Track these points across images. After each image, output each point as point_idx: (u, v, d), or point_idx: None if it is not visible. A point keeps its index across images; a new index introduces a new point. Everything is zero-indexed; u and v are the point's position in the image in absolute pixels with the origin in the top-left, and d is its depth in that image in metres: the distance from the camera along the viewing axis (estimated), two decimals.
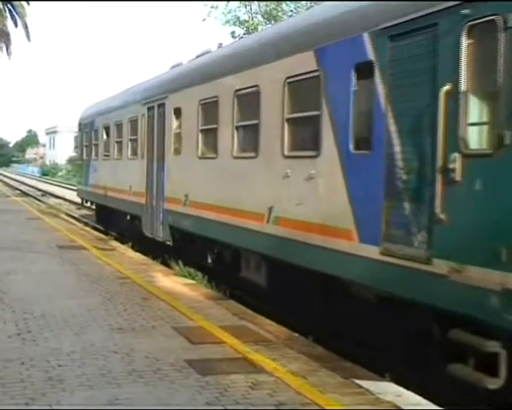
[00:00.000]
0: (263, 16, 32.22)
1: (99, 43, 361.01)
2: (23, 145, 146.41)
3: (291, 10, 31.25)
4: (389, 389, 6.11)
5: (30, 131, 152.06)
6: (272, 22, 29.94)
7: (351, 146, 7.74)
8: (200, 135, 12.64)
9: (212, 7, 32.34)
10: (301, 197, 8.70)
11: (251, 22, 31.82)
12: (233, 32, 32.32)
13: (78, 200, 32.90)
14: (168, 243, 14.31)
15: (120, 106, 19.32)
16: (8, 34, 39.29)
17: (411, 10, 6.71)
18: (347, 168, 7.78)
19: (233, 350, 7.10)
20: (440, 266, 6.10)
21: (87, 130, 23.96)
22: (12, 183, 61.60)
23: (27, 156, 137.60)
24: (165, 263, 13.50)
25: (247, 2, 32.49)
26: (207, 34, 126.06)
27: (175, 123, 14.22)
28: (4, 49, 39.39)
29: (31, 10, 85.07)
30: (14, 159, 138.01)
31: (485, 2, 5.78)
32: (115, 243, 16.48)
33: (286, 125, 9.25)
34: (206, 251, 12.54)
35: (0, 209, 25.40)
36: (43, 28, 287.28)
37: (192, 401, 5.58)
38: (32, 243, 15.22)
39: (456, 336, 6.00)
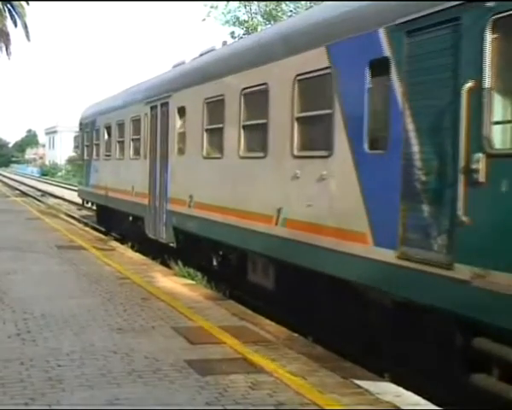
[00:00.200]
0: (262, 16, 32.12)
1: (98, 42, 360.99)
2: (22, 145, 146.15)
3: (290, 10, 31.14)
4: (388, 390, 6.08)
5: (29, 131, 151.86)
6: (272, 22, 29.82)
7: (365, 146, 7.45)
8: (205, 134, 12.34)
9: (211, 7, 32.39)
10: (312, 199, 8.42)
11: (250, 22, 31.70)
12: (232, 33, 32.27)
13: (78, 200, 32.86)
14: (172, 244, 14.00)
15: (122, 105, 19.01)
16: (7, 34, 39.17)
17: (430, 4, 6.43)
18: (361, 168, 7.50)
19: (233, 350, 7.08)
20: (462, 272, 5.82)
21: (88, 129, 23.65)
22: (11, 183, 61.64)
23: (27, 156, 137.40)
24: (164, 263, 13.42)
25: (246, 3, 32.43)
26: (207, 34, 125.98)
27: (179, 122, 13.92)
28: (4, 49, 39.28)
29: (30, 10, 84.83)
30: (13, 159, 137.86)
31: None
32: (115, 244, 16.47)
33: (296, 125, 8.96)
34: (212, 253, 12.26)
35: None
36: (43, 28, 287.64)
37: (192, 401, 5.56)
38: (32, 243, 15.19)
39: (479, 344, 5.73)
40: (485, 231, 5.68)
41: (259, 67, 10.11)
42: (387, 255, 6.86)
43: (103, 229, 20.94)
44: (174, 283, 11.03)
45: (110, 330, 7.80)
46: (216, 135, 11.88)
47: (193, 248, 13.20)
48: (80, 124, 25.63)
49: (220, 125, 11.49)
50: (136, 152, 17.13)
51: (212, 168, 11.97)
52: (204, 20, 32.94)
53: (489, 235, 5.65)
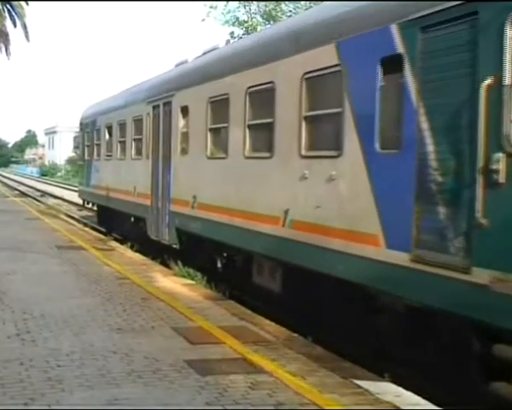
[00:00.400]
0: (262, 16, 32.07)
1: (97, 43, 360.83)
2: (22, 145, 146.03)
3: (290, 10, 31.09)
4: (388, 390, 6.06)
5: (29, 131, 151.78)
6: (271, 22, 29.78)
7: (376, 145, 7.23)
8: (209, 134, 12.11)
9: (211, 7, 32.44)
10: (320, 200, 8.20)
11: (250, 22, 31.60)
12: (232, 33, 32.12)
13: (78, 200, 32.81)
14: (174, 246, 13.77)
15: (124, 105, 18.78)
16: (7, 34, 39.03)
17: (432, 4, 6.25)
18: (372, 169, 7.28)
19: (232, 350, 7.06)
20: (481, 276, 5.61)
21: (88, 129, 23.42)
22: (11, 183, 61.70)
23: (26, 157, 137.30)
24: (164, 263, 13.34)
25: (246, 3, 32.37)
26: (206, 35, 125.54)
27: (182, 122, 13.68)
28: (3, 49, 39.14)
29: (30, 10, 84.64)
30: (13, 159, 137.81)
31: None
32: (114, 244, 16.40)
33: (303, 124, 8.74)
34: (216, 255, 12.03)
35: None
36: (42, 28, 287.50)
37: (191, 401, 5.55)
38: (31, 244, 15.15)
39: (499, 352, 5.52)
40: (505, 233, 5.47)
41: (266, 65, 9.88)
42: (401, 258, 6.64)
43: (104, 230, 20.73)
44: (174, 283, 10.99)
45: (110, 330, 7.77)
46: (220, 135, 11.66)
47: (196, 250, 12.98)
48: (81, 124, 25.40)
49: (225, 125, 11.26)
50: (138, 152, 16.89)
51: (217, 169, 11.74)
52: (203, 20, 33.09)
53: (509, 238, 5.43)
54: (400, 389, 6.13)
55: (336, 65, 8.02)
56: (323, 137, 8.63)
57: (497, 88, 5.54)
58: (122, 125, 18.52)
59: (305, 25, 9.21)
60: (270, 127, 9.62)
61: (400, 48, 6.85)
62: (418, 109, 6.52)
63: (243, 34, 30.86)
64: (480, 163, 5.68)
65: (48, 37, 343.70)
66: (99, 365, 6.43)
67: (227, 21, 32.96)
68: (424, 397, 6.01)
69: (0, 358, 6.58)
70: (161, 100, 14.99)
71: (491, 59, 5.64)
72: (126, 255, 14.22)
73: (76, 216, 26.42)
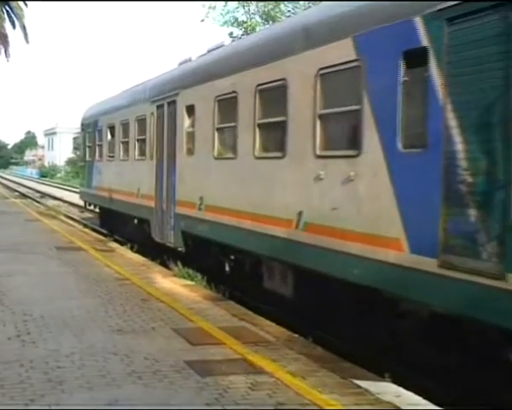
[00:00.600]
0: (261, 17, 31.95)
1: (97, 44, 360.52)
2: (22, 147, 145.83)
3: (289, 11, 31.01)
4: (388, 390, 6.04)
5: (28, 132, 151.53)
6: (270, 23, 29.64)
7: (399, 144, 6.86)
8: (216, 134, 11.70)
9: (210, 8, 32.50)
10: (337, 202, 7.83)
11: (249, 23, 31.47)
12: (231, 33, 32.04)
13: (77, 201, 32.57)
14: (180, 249, 13.38)
15: (126, 104, 18.36)
16: (6, 36, 38.73)
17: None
18: (394, 169, 6.91)
19: (232, 351, 7.03)
20: None
21: (90, 130, 23.00)
22: (10, 185, 61.62)
23: (26, 158, 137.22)
24: (164, 264, 13.21)
25: (245, 3, 32.19)
26: (206, 35, 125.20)
27: (187, 121, 13.28)
28: (2, 50, 38.78)
29: (29, 12, 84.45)
30: (12, 161, 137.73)
31: None
32: (114, 245, 16.32)
33: (318, 122, 8.35)
34: (224, 259, 11.65)
35: None
36: (42, 29, 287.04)
37: (192, 401, 5.54)
38: (31, 245, 15.10)
39: None
40: None
41: (277, 61, 9.49)
42: (426, 264, 6.27)
43: (106, 231, 20.34)
44: (174, 283, 10.93)
45: (110, 331, 7.74)
46: (228, 134, 11.27)
47: (202, 253, 12.60)
48: (82, 124, 25.00)
49: (233, 124, 10.86)
50: (142, 153, 16.47)
51: (225, 169, 11.35)
52: (203, 20, 33.22)
53: None
54: (400, 389, 6.08)
55: (354, 60, 7.65)
56: (340, 135, 8.24)
57: None
58: (125, 126, 18.11)
59: (320, 19, 8.82)
60: (282, 126, 9.24)
61: (425, 41, 6.49)
62: (445, 106, 6.16)
63: (242, 35, 30.71)
64: None
65: (47, 38, 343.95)
66: (99, 366, 6.40)
67: (226, 22, 33.03)
68: (424, 397, 5.95)
69: (0, 359, 6.54)
70: (166, 99, 14.60)
71: None
72: (126, 256, 14.14)
73: (75, 217, 26.31)
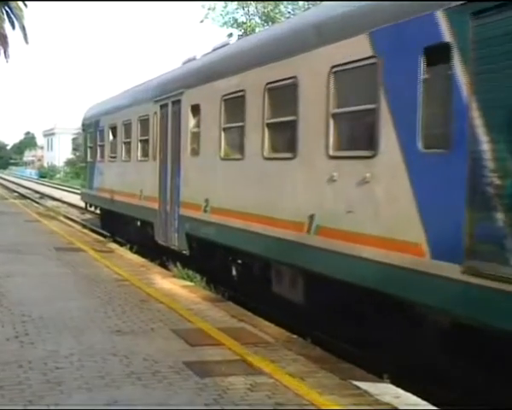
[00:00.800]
0: (260, 18, 31.94)
1: (96, 45, 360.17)
2: (21, 147, 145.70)
3: (288, 12, 31.01)
4: (387, 391, 6.01)
5: (28, 133, 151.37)
6: (270, 24, 29.58)
7: (419, 144, 6.54)
8: (222, 134, 11.37)
9: (209, 9, 32.64)
10: (352, 204, 7.51)
11: (248, 24, 31.49)
12: (230, 34, 31.82)
13: (76, 202, 32.43)
14: (184, 252, 13.04)
15: (129, 104, 18.03)
16: (5, 36, 38.52)
17: None
18: (414, 170, 6.60)
19: (231, 352, 7.01)
20: None
21: (91, 130, 22.65)
22: (10, 185, 61.69)
23: (25, 159, 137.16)
24: (163, 265, 13.12)
25: (244, 3, 32.02)
26: (205, 36, 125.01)
27: (192, 121, 12.95)
28: (2, 51, 38.57)
29: (28, 12, 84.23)
30: (11, 161, 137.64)
31: None
32: (113, 245, 16.24)
33: (331, 122, 8.04)
34: (230, 263, 11.33)
35: None
36: (41, 30, 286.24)
37: (191, 402, 5.53)
38: (30, 246, 15.09)
39: None
40: None
41: (287, 59, 9.17)
42: (449, 270, 5.96)
43: (107, 233, 20.00)
44: (173, 284, 10.89)
45: (109, 332, 7.71)
46: (235, 134, 10.93)
47: (208, 257, 12.28)
48: (83, 124, 24.65)
49: (240, 124, 10.54)
50: (145, 153, 16.13)
51: (232, 170, 11.02)
52: (202, 21, 33.38)
53: None
54: (399, 390, 6.04)
55: (370, 57, 7.34)
56: (355, 135, 7.92)
57: None
58: (127, 126, 17.77)
59: (333, 14, 8.49)
60: (292, 126, 8.93)
61: (447, 36, 6.18)
62: (470, 104, 5.86)
63: (240, 36, 30.57)
64: None
65: (46, 38, 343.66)
66: (98, 367, 6.37)
67: (225, 23, 33.16)
68: (423, 398, 5.90)
69: None
70: (170, 98, 14.27)
71: None
72: (125, 257, 14.06)
73: (75, 218, 26.25)
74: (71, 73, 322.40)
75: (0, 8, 37.89)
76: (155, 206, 14.74)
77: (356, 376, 6.36)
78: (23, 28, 38.61)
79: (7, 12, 38.48)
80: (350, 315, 8.24)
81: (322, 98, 8.18)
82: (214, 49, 13.19)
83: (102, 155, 20.74)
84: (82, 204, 27.16)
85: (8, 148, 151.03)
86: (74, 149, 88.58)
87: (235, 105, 10.91)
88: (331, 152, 8.03)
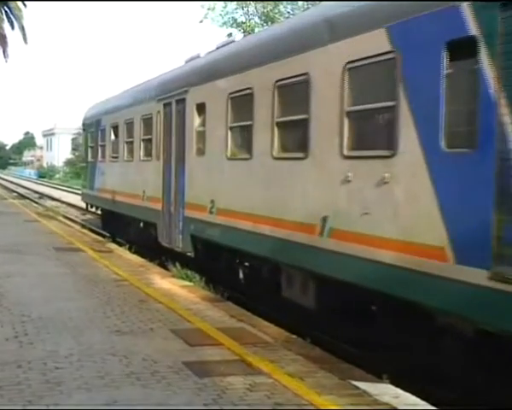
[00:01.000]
0: (260, 18, 31.87)
1: (95, 45, 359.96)
2: (20, 147, 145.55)
3: (288, 12, 30.93)
4: (387, 391, 5.99)
5: (27, 133, 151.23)
6: (269, 24, 29.54)
7: (442, 143, 6.21)
8: (229, 133, 11.02)
9: (208, 9, 32.68)
10: (368, 206, 7.19)
11: (248, 24, 31.45)
12: (230, 34, 31.66)
13: (76, 202, 32.20)
14: (189, 254, 12.71)
15: (131, 103, 17.67)
16: (4, 36, 38.41)
17: None
18: (436, 170, 6.27)
19: (231, 352, 7.00)
20: None
21: (92, 130, 22.30)
22: (9, 185, 61.78)
23: (24, 159, 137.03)
24: (162, 265, 13.04)
25: (243, 3, 31.93)
26: (204, 36, 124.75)
27: (197, 120, 12.61)
28: (1, 51, 38.42)
29: (28, 12, 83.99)
30: (11, 161, 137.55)
31: None
32: (113, 245, 16.20)
33: (346, 120, 7.71)
34: (237, 266, 10.99)
35: None
36: (40, 30, 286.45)
37: (190, 402, 5.52)
38: (30, 246, 15.08)
39: None
40: None
41: (298, 55, 8.85)
42: (476, 276, 5.64)
43: (108, 234, 19.66)
44: (172, 284, 10.87)
45: (108, 332, 7.72)
46: (243, 133, 10.59)
47: (213, 259, 11.95)
48: (83, 124, 24.31)
49: (248, 123, 10.20)
50: (148, 153, 15.77)
51: (239, 170, 10.68)
52: (201, 21, 33.44)
53: None
54: (398, 390, 6.01)
55: (388, 52, 7.01)
56: (372, 134, 7.57)
57: None
58: (129, 125, 17.43)
59: (348, 9, 8.15)
60: (303, 124, 8.60)
61: (473, 29, 5.86)
62: (499, 100, 5.54)
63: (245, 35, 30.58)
64: None
65: (46, 38, 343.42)
66: (97, 367, 6.37)
67: (225, 23, 33.21)
68: (422, 398, 5.87)
69: None
70: (174, 97, 13.93)
71: None
72: (124, 257, 13.99)
73: (74, 218, 26.24)
74: (70, 73, 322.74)
75: None
76: (159, 207, 14.41)
77: (355, 376, 6.35)
78: (22, 28, 38.52)
79: (6, 12, 38.38)
80: (363, 321, 7.93)
81: (336, 96, 7.86)
82: (218, 48, 12.89)
83: (104, 155, 20.39)
84: (81, 204, 27.07)
85: (8, 148, 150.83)
86: (74, 149, 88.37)
87: (242, 103, 10.58)
88: (346, 152, 7.71)
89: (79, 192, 33.74)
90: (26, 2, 38.49)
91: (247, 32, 30.14)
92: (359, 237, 7.30)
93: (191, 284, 11.03)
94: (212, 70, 12.24)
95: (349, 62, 7.68)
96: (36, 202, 35.50)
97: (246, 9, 32.52)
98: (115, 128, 19.04)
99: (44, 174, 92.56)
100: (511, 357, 5.78)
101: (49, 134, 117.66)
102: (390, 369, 6.60)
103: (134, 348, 7.04)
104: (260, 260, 10.06)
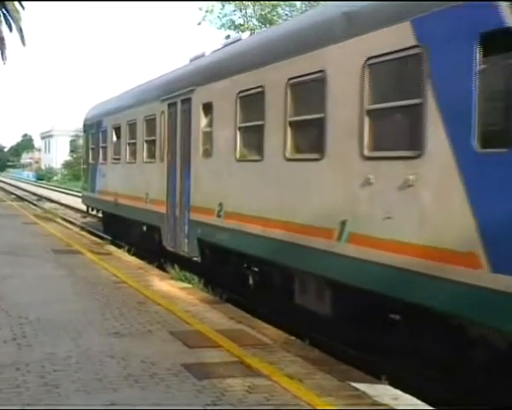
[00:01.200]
0: (258, 20, 31.99)
1: (93, 47, 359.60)
2: (18, 150, 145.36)
3: (286, 14, 31.00)
4: (386, 392, 5.97)
5: (25, 135, 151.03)
6: (267, 26, 29.47)
7: (474, 143, 5.82)
8: (238, 133, 10.61)
9: (207, 11, 33.18)
10: (391, 210, 6.79)
11: (246, 26, 31.46)
12: (228, 36, 31.77)
13: (74, 204, 31.94)
14: (195, 258, 12.30)
15: (134, 104, 17.27)
16: (2, 39, 38.11)
17: None
18: (468, 172, 5.88)
19: (230, 354, 6.98)
20: None
21: (93, 131, 21.89)
22: (7, 187, 61.73)
23: (23, 161, 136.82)
24: (161, 267, 12.97)
25: (241, 6, 31.65)
26: (202, 39, 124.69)
27: (204, 120, 12.19)
28: None
29: (26, 14, 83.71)
30: (9, 163, 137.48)
31: None
32: (111, 248, 16.07)
33: (366, 119, 7.32)
34: (247, 271, 10.58)
35: None
36: (39, 32, 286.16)
37: (189, 405, 5.49)
38: (28, 248, 15.03)
39: None
40: None
41: (313, 51, 8.45)
42: None
43: (109, 237, 19.26)
44: (171, 286, 10.85)
45: (107, 334, 7.70)
46: (253, 134, 10.17)
47: (221, 264, 11.54)
48: (84, 125, 23.91)
49: (259, 123, 9.79)
50: (151, 155, 15.35)
51: (249, 172, 10.25)
52: (199, 23, 33.83)
53: None
54: (397, 392, 5.99)
55: (413, 46, 6.62)
56: (396, 134, 7.14)
57: None
58: (132, 126, 17.02)
59: (368, 2, 7.76)
60: (319, 124, 8.20)
61: (510, 20, 5.46)
62: None
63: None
64: None
65: (44, 41, 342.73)
66: (96, 369, 6.35)
67: (223, 25, 33.55)
68: (422, 399, 5.84)
69: None
70: (179, 97, 13.53)
71: None
72: (123, 259, 13.92)
73: (72, 220, 26.19)
74: (68, 75, 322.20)
75: None
76: (163, 210, 13.99)
77: (354, 377, 6.33)
78: (20, 30, 38.16)
79: (4, 14, 38.09)
80: (383, 329, 7.59)
81: (355, 93, 7.47)
82: (224, 46, 12.50)
83: (105, 157, 19.98)
84: (79, 206, 26.81)
85: (6, 150, 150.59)
86: (72, 151, 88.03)
87: (252, 102, 10.19)
88: (366, 152, 7.31)
89: (78, 194, 33.52)
90: (24, 5, 38.25)
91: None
92: (380, 242, 6.90)
93: (190, 285, 10.97)
94: (220, 68, 11.83)
95: (370, 58, 7.29)
96: (34, 204, 35.31)
97: (244, 11, 32.72)
98: (117, 129, 18.64)
99: (43, 176, 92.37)
100: None
101: (47, 136, 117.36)
102: (389, 370, 6.54)
103: (132, 350, 7.01)
104: (271, 265, 9.67)
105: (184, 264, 12.51)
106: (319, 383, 6.09)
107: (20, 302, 9.26)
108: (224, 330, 7.90)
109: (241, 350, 7.06)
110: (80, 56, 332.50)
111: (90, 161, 22.28)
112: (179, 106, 13.48)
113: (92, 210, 22.95)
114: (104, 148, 20.17)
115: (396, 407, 5.54)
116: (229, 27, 32.88)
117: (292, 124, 8.98)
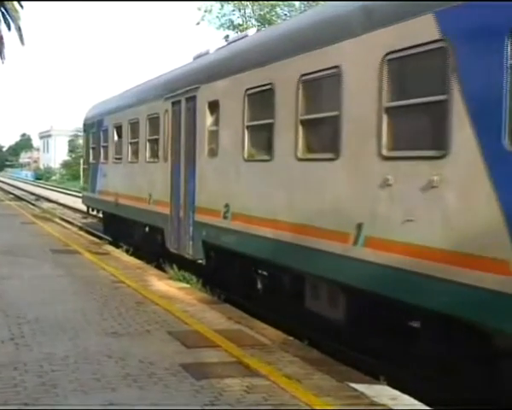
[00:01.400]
0: (257, 20, 31.85)
1: (92, 47, 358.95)
2: (17, 149, 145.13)
3: (285, 14, 30.88)
4: (384, 392, 5.96)
5: (24, 135, 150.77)
6: (266, 26, 29.31)
7: (505, 142, 5.48)
8: (246, 132, 10.24)
9: (205, 11, 33.24)
10: (412, 213, 6.44)
11: (245, 26, 31.23)
12: (227, 36, 31.59)
13: (72, 204, 31.64)
14: (200, 261, 11.95)
15: (136, 102, 16.91)
16: (1, 38, 38.05)
17: None
18: (498, 173, 5.54)
19: (228, 354, 6.97)
20: None
21: (94, 130, 21.52)
22: (5, 187, 61.76)
23: (21, 160, 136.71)
24: (159, 267, 12.92)
25: (240, 6, 31.51)
26: (201, 39, 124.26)
27: (210, 119, 11.83)
28: None
29: (24, 13, 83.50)
30: (7, 163, 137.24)
31: None
32: (109, 247, 16.05)
33: (385, 117, 6.97)
34: (255, 274, 10.23)
35: None
36: (37, 31, 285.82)
37: (187, 405, 5.49)
38: (26, 248, 15.02)
39: None
40: None
41: (327, 46, 8.11)
42: None
43: (111, 239, 18.91)
44: (169, 286, 10.85)
45: (105, 334, 7.71)
46: (262, 133, 9.81)
47: (227, 267, 11.19)
48: (84, 125, 23.56)
49: (268, 121, 9.42)
50: (154, 154, 14.99)
51: (257, 173, 9.89)
52: (198, 23, 33.79)
53: None
54: (396, 392, 5.99)
55: (437, 40, 6.27)
56: (417, 132, 6.78)
57: None
58: (134, 125, 16.67)
59: None
60: (333, 122, 7.85)
61: None
62: None
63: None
64: None
65: (43, 40, 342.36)
66: (94, 369, 6.35)
67: (222, 25, 33.49)
68: (420, 400, 5.82)
69: None
70: (183, 95, 13.17)
71: None
72: (121, 259, 13.93)
73: (71, 220, 26.12)
74: (67, 75, 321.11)
75: None
76: (166, 211, 13.63)
77: (352, 378, 6.33)
78: (19, 29, 38.05)
79: (3, 13, 38.07)
80: (408, 341, 7.29)
81: (372, 90, 7.12)
82: (229, 43, 12.16)
83: (106, 157, 19.61)
84: (78, 206, 26.55)
85: (4, 149, 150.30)
86: (70, 151, 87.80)
87: (261, 100, 9.83)
88: (385, 152, 6.97)
89: (76, 194, 33.23)
90: (22, 4, 38.05)
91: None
92: (401, 246, 6.56)
93: (188, 285, 10.92)
94: (227, 65, 11.47)
95: (389, 53, 6.95)
96: (32, 204, 35.16)
97: (243, 12, 32.69)
98: (118, 128, 18.27)
99: (41, 176, 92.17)
100: None
101: (45, 136, 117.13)
102: (387, 371, 6.49)
103: (130, 350, 7.01)
104: (280, 269, 9.33)
105: (187, 266, 12.18)
106: (317, 383, 6.09)
107: (18, 302, 9.24)
108: (223, 331, 7.88)
109: (240, 350, 7.05)
110: (79, 56, 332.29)
111: (91, 160, 21.92)
112: (183, 104, 13.14)
113: (92, 211, 22.62)
114: (105, 147, 19.81)
115: (394, 408, 5.51)
116: (228, 27, 32.88)
117: (304, 122, 8.62)
